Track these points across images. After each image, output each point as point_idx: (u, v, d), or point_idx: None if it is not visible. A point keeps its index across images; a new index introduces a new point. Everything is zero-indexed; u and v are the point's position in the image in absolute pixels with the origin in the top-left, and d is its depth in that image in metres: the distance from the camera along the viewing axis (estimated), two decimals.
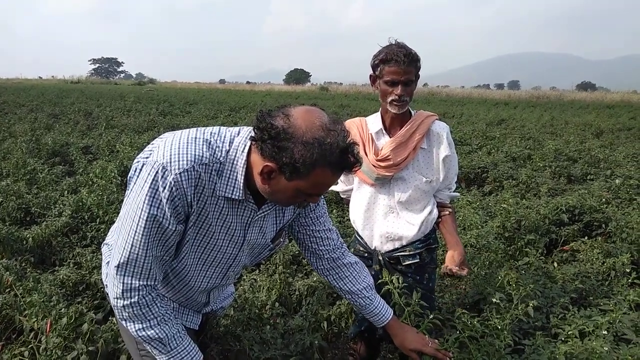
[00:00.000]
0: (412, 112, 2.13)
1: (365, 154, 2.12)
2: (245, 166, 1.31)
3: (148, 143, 1.39)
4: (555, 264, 3.69)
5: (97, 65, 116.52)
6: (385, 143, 2.11)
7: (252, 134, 1.27)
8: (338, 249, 1.72)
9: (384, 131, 2.14)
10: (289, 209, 1.56)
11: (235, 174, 1.31)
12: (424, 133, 2.09)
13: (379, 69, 2.00)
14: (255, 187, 1.34)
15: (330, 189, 2.61)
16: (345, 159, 1.23)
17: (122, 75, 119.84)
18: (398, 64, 1.93)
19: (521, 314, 1.74)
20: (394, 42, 1.99)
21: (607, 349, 1.66)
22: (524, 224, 4.11)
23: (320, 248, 1.69)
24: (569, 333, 1.68)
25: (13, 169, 5.66)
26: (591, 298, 2.90)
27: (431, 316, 1.77)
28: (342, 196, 2.46)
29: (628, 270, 3.14)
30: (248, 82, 73.70)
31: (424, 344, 1.66)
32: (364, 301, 1.72)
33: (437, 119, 2.15)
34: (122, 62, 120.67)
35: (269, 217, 1.50)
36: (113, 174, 5.19)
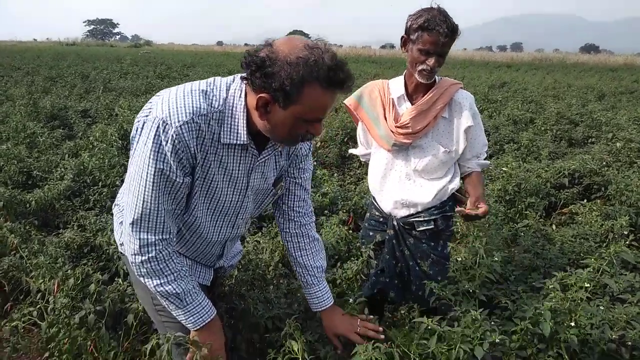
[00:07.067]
0: (437, 79, 2.04)
1: (385, 119, 2.07)
2: (245, 110, 1.35)
3: None
4: (554, 227, 3.73)
5: (92, 26, 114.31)
6: (406, 110, 2.04)
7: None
8: (308, 216, 1.75)
9: (405, 97, 2.07)
10: (284, 154, 1.58)
11: (236, 119, 1.35)
12: (447, 102, 2.01)
13: (416, 34, 1.87)
14: (255, 131, 1.37)
15: (350, 152, 2.56)
16: (334, 74, 1.24)
17: (117, 37, 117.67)
18: (439, 34, 1.82)
19: (486, 272, 1.68)
20: (435, 7, 1.87)
21: (602, 308, 1.68)
22: (525, 187, 4.13)
23: (294, 207, 1.71)
24: (550, 287, 1.70)
25: (13, 133, 5.62)
26: (589, 259, 2.94)
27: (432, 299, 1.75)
28: (362, 160, 2.42)
29: (626, 233, 3.17)
30: (246, 44, 72.40)
31: (350, 330, 1.68)
32: (312, 280, 1.73)
33: (461, 88, 2.06)
34: (117, 24, 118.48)
35: (269, 162, 1.53)
36: (113, 137, 5.17)
